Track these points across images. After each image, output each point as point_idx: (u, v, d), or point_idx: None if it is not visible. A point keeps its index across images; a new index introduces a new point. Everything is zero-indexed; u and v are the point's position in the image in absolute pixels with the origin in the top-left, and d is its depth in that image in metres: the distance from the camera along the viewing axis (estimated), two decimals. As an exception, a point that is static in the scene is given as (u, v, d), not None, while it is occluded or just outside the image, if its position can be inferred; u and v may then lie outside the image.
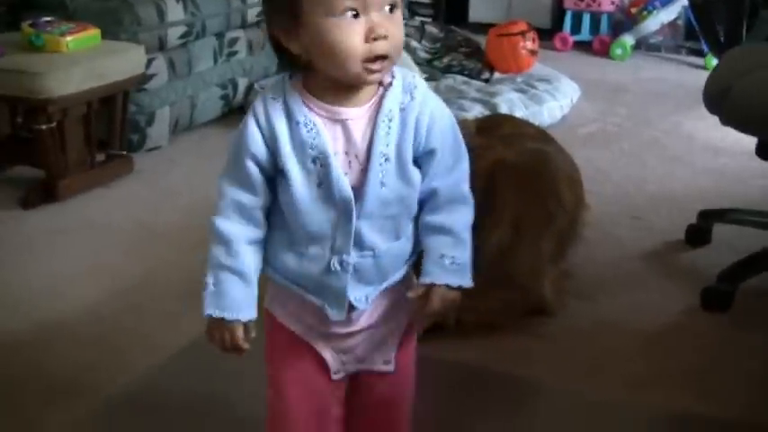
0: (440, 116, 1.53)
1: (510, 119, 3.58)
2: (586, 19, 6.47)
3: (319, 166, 1.45)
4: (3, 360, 2.51)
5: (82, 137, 3.68)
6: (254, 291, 1.51)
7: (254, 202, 1.49)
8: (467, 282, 1.59)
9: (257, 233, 1.51)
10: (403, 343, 1.65)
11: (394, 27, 1.41)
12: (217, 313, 1.48)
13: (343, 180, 1.46)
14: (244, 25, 4.79)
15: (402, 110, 1.48)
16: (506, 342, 2.59)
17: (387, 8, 1.40)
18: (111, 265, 3.03)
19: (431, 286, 1.53)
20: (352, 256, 1.51)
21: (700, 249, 3.22)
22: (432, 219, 1.56)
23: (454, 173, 1.55)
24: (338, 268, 1.51)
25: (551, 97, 4.75)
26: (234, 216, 1.49)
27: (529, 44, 5.25)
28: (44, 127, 3.44)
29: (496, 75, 5.23)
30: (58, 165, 3.55)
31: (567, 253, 2.88)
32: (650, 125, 4.72)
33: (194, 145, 4.30)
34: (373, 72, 1.41)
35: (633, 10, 6.28)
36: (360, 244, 1.50)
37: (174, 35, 4.20)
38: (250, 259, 1.50)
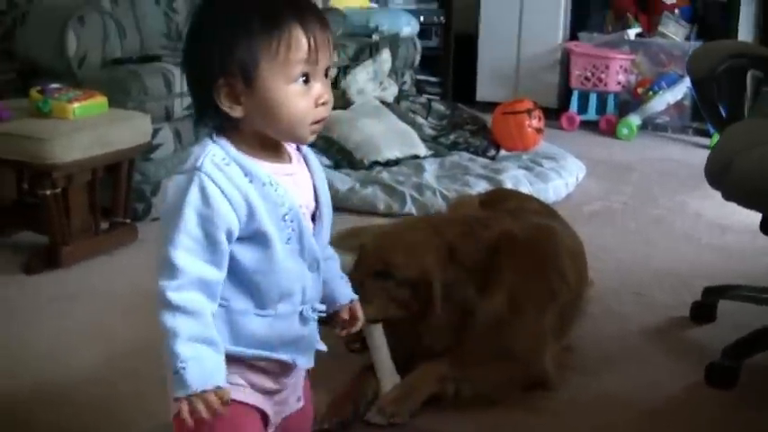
0: None
1: (514, 193, 3.59)
2: (593, 99, 6.52)
3: (289, 222, 1.51)
4: (1, 422, 2.49)
5: (86, 204, 3.69)
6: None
7: (219, 277, 1.48)
8: None
9: (213, 308, 1.48)
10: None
11: (330, 93, 1.51)
12: (208, 386, 1.42)
13: (310, 232, 1.55)
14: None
15: (314, 161, 1.63)
16: (505, 416, 2.54)
17: (324, 73, 1.50)
18: (112, 331, 3.02)
19: (351, 303, 1.76)
20: (317, 303, 1.62)
21: (704, 326, 3.19)
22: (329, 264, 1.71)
23: None
24: (311, 315, 1.60)
25: (557, 175, 4.77)
26: (196, 292, 1.45)
27: (535, 122, 5.28)
28: (48, 192, 3.45)
29: (502, 152, 5.25)
30: (62, 231, 3.55)
31: (570, 328, 2.86)
32: (656, 203, 4.72)
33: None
34: (314, 133, 1.52)
35: (639, 90, 6.34)
36: (318, 293, 1.63)
37: (180, 106, 4.23)
38: (214, 331, 1.47)
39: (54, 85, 3.71)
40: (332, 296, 1.73)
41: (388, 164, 4.94)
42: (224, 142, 1.50)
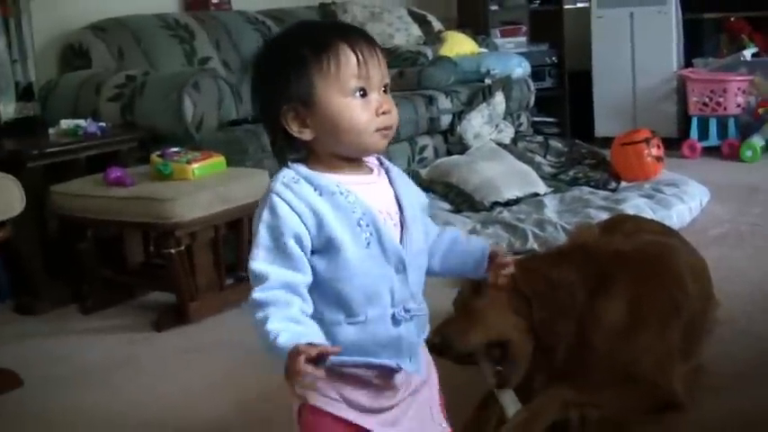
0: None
1: (632, 218, 3.54)
2: (713, 124, 6.40)
3: (365, 226, 1.58)
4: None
5: (210, 260, 3.78)
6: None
7: (301, 279, 1.54)
8: None
9: (308, 308, 1.54)
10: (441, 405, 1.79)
11: (391, 104, 1.61)
12: (302, 341, 1.43)
13: (392, 233, 1.61)
14: (367, 149, 4.88)
15: (399, 175, 1.71)
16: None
17: (382, 89, 1.60)
18: (242, 381, 3.06)
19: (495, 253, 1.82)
20: (411, 304, 1.64)
21: (843, 345, 3.09)
22: (442, 241, 1.81)
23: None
24: (405, 316, 1.63)
25: (679, 201, 4.69)
26: (280, 290, 1.52)
27: (654, 150, 5.22)
28: (174, 251, 3.55)
29: (623, 184, 5.18)
30: (189, 288, 3.65)
31: (698, 348, 2.78)
32: (786, 223, 4.59)
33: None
34: (385, 138, 1.60)
35: (760, 111, 6.21)
36: (412, 295, 1.66)
37: (298, 161, 4.30)
38: (310, 321, 1.53)
39: (173, 149, 3.83)
40: (472, 258, 1.82)
41: (509, 204, 4.93)
42: (297, 165, 1.61)
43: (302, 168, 1.60)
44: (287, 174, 1.59)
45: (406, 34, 6.38)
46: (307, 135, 1.58)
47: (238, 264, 3.88)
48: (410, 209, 1.67)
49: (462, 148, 5.62)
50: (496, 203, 4.92)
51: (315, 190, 1.57)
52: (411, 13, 6.63)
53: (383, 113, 1.59)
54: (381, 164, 1.71)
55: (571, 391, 2.46)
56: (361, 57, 1.56)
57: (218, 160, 3.83)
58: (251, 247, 1.57)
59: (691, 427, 2.55)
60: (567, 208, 4.76)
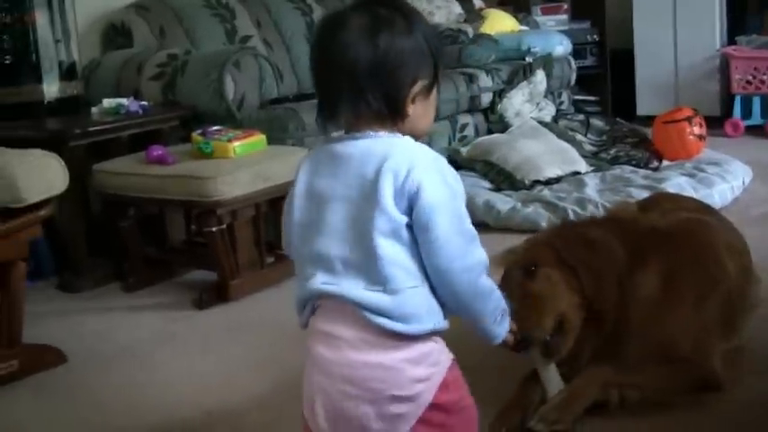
0: None
1: (670, 196, 3.53)
2: (757, 102, 6.34)
3: None
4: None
5: (251, 239, 3.81)
6: None
7: None
8: None
9: None
10: None
11: None
12: None
13: None
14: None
15: None
16: (675, 420, 2.47)
17: None
18: (280, 358, 3.08)
19: None
20: None
21: None
22: None
23: None
24: None
25: (722, 180, 4.65)
26: None
27: (696, 129, 5.18)
28: (215, 229, 3.57)
29: (665, 162, 5.15)
30: (230, 266, 3.68)
31: (738, 325, 2.76)
32: (828, 202, 4.54)
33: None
34: None
35: (804, 88, 6.12)
36: None
37: (339, 139, 4.32)
38: None
39: (214, 128, 3.85)
40: None
41: (549, 182, 4.92)
42: None
43: None
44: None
45: (446, 12, 6.36)
46: (410, 111, 1.62)
47: (279, 242, 3.89)
48: None
49: (503, 126, 5.61)
50: (537, 182, 4.91)
51: None
52: (451, -9, 6.61)
53: None
54: None
55: (611, 372, 2.46)
56: None
57: (259, 138, 3.84)
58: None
59: (731, 408, 2.52)
60: (607, 187, 4.74)
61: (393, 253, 1.57)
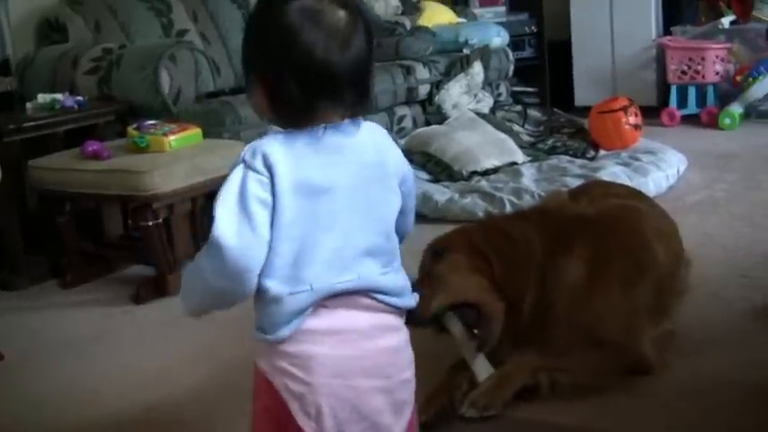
0: None
1: (601, 183, 3.58)
2: (692, 92, 6.42)
3: None
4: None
5: (188, 232, 3.80)
6: None
7: None
8: None
9: None
10: None
11: None
12: None
13: None
14: (345, 120, 4.89)
15: None
16: (606, 402, 2.52)
17: None
18: (217, 352, 3.09)
19: None
20: None
21: (810, 306, 3.11)
22: None
23: None
24: None
25: (656, 168, 4.72)
26: None
27: (632, 119, 5.24)
28: (151, 223, 3.56)
29: (602, 152, 5.21)
30: (167, 260, 3.67)
31: (668, 309, 2.82)
32: (760, 189, 4.62)
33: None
34: None
35: (739, 78, 6.22)
36: None
37: (275, 132, 4.31)
38: None
39: (150, 122, 3.84)
40: None
41: (487, 173, 4.96)
42: None
43: None
44: None
45: (384, 4, 6.37)
46: None
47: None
48: None
49: (441, 117, 5.63)
50: (474, 173, 4.94)
51: None
52: (390, -16, 6.62)
53: None
54: None
55: (540, 357, 2.49)
56: None
57: (195, 132, 3.83)
58: None
59: (663, 391, 2.57)
60: (544, 176, 4.79)
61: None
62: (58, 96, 4.14)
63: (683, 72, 6.40)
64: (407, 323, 1.96)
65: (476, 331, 2.47)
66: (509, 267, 2.49)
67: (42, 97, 4.15)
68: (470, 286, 2.46)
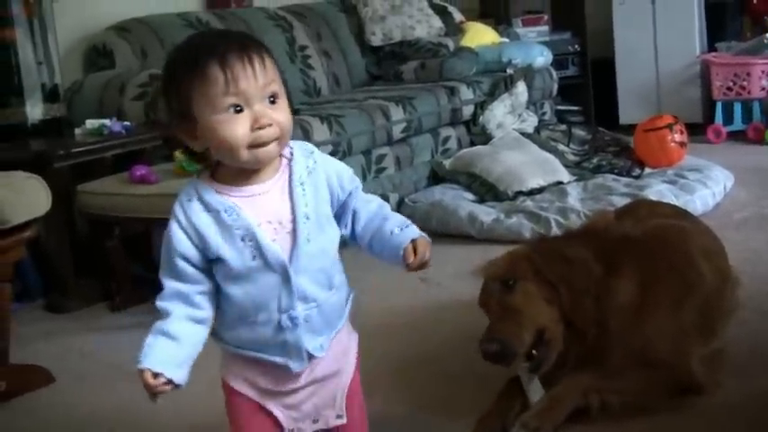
0: (337, 167, 1.80)
1: (647, 203, 3.57)
2: (738, 108, 6.37)
3: (248, 242, 1.67)
4: None
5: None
6: (183, 353, 1.74)
7: (190, 288, 1.71)
8: (419, 230, 1.85)
9: (197, 313, 1.73)
10: (349, 393, 1.86)
11: (277, 114, 1.64)
12: (145, 366, 1.71)
13: (273, 246, 1.69)
14: (390, 142, 4.93)
15: (309, 173, 1.73)
16: (657, 423, 2.50)
17: (267, 100, 1.64)
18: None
19: (411, 244, 1.80)
20: (299, 311, 1.72)
21: None
22: (366, 223, 1.84)
23: (362, 194, 1.86)
24: (289, 324, 1.73)
25: (703, 186, 4.69)
26: (173, 299, 1.72)
27: (677, 136, 5.22)
28: (199, 247, 3.57)
29: (647, 170, 5.19)
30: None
31: (717, 327, 2.79)
32: (810, 205, 4.57)
33: (350, 259, 4.38)
34: (265, 156, 1.65)
35: (785, 93, 6.16)
36: (303, 298, 1.73)
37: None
38: (185, 329, 1.73)
39: (196, 146, 3.85)
40: (390, 251, 1.84)
41: (532, 193, 4.95)
42: (200, 180, 1.72)
43: (201, 184, 1.70)
44: (186, 192, 1.71)
45: (427, 26, 6.40)
46: (198, 146, 1.68)
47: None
48: (305, 213, 1.73)
49: (485, 138, 5.64)
50: (520, 193, 4.94)
51: (204, 207, 1.68)
52: (432, 5, 6.64)
53: (259, 128, 1.63)
54: (290, 161, 1.75)
55: (591, 378, 2.48)
56: (230, 74, 1.61)
57: (242, 156, 3.85)
58: None
59: (714, 410, 2.55)
60: (589, 195, 4.77)
61: None
62: (106, 122, 4.19)
63: (729, 88, 6.36)
64: (499, 361, 2.02)
65: (534, 352, 2.47)
66: (576, 296, 2.47)
67: (90, 123, 4.21)
68: (544, 315, 2.46)
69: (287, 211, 1.71)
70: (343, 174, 1.80)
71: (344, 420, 1.85)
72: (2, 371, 3.12)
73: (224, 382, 1.86)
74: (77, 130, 4.22)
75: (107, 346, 3.57)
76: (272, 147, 1.65)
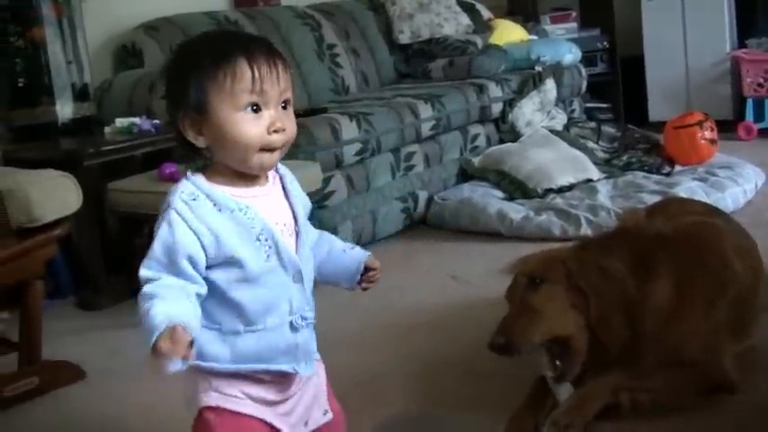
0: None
1: (677, 200, 3.54)
2: (768, 105, 6.33)
3: (264, 241, 1.63)
4: None
5: (265, 252, 3.82)
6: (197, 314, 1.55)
7: (192, 288, 1.59)
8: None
9: (195, 302, 1.58)
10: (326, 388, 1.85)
11: (288, 122, 1.63)
12: (176, 322, 1.49)
13: (289, 244, 1.67)
14: (419, 139, 4.92)
15: (291, 182, 1.75)
16: (688, 422, 2.48)
17: (281, 105, 1.62)
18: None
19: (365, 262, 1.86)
20: (307, 311, 1.71)
21: None
22: (318, 242, 1.84)
23: None
24: (302, 324, 1.70)
25: (734, 183, 4.66)
26: (171, 287, 1.57)
27: (707, 133, 5.18)
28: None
29: (677, 167, 5.16)
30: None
31: (751, 328, 2.77)
32: (842, 202, 4.53)
33: (379, 257, 4.37)
34: (269, 161, 1.63)
35: (816, 90, 6.11)
36: (308, 298, 1.72)
37: (349, 152, 4.36)
38: (190, 303, 1.56)
39: (225, 144, 3.87)
40: (346, 266, 1.87)
41: (562, 190, 4.94)
42: (197, 178, 1.65)
43: (203, 182, 1.64)
44: (186, 189, 1.63)
45: (455, 24, 6.38)
46: (201, 143, 1.63)
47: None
48: (302, 217, 1.74)
49: (514, 135, 5.62)
50: (549, 190, 4.93)
51: (214, 206, 1.61)
52: (460, 3, 6.62)
53: (275, 132, 1.61)
54: (277, 169, 1.75)
55: (621, 377, 2.47)
56: (257, 72, 1.59)
57: (270, 154, 3.86)
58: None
59: (745, 409, 2.53)
60: (619, 193, 4.75)
61: None
62: (136, 120, 4.21)
63: (759, 85, 6.32)
64: (503, 354, 2.00)
65: (558, 363, 2.46)
66: (605, 309, 2.45)
67: (120, 121, 4.23)
68: (567, 322, 2.44)
69: (289, 213, 1.71)
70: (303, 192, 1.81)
71: (331, 416, 1.84)
72: (34, 367, 3.15)
73: (207, 408, 1.71)
74: (107, 129, 4.24)
75: (138, 343, 3.54)
76: (276, 154, 1.64)
